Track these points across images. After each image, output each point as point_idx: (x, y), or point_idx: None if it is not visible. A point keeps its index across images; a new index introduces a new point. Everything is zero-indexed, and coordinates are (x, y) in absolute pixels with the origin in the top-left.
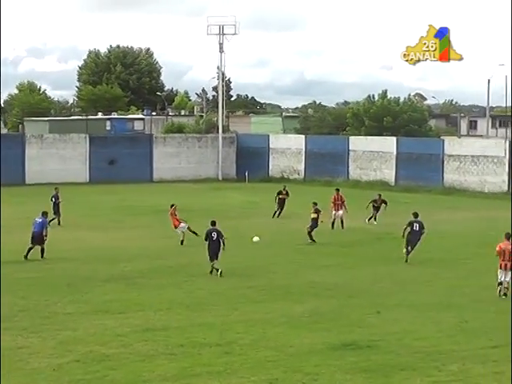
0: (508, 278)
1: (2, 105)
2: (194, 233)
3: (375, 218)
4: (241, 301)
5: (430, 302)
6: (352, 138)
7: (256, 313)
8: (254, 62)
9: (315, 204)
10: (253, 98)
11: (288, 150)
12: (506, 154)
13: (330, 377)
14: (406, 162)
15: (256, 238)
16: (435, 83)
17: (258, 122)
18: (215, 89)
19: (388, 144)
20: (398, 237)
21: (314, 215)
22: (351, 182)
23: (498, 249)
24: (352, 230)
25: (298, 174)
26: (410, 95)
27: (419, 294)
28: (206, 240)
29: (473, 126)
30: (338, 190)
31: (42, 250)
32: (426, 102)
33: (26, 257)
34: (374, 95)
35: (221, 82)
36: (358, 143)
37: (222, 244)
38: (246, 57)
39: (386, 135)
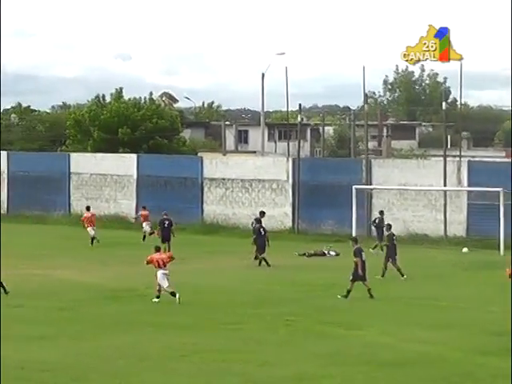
0: None
1: None
2: None
3: None
4: None
5: None
6: (74, 156)
7: None
8: None
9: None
10: None
11: None
12: (288, 177)
13: None
14: (150, 188)
15: None
16: (189, 79)
17: None
18: None
19: (126, 164)
20: (143, 294)
21: None
22: (74, 216)
23: None
24: (78, 284)
25: None
26: (153, 95)
27: (171, 372)
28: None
29: (243, 138)
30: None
31: None
32: (176, 105)
33: None
34: (104, 95)
35: None
36: (84, 163)
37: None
38: None
39: (123, 152)
